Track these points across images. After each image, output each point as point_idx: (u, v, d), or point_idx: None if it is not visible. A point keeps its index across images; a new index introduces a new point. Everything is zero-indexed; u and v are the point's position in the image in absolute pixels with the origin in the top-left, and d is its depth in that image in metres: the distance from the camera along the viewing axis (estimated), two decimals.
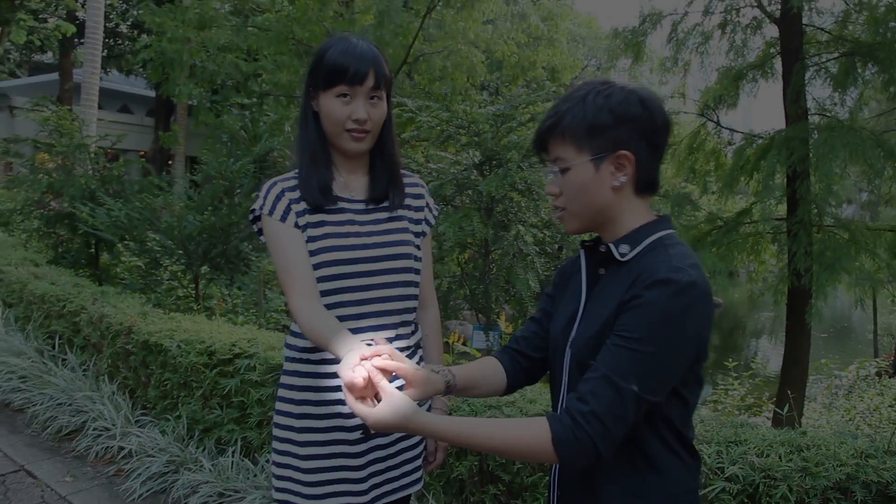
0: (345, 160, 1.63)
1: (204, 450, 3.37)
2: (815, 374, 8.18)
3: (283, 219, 1.56)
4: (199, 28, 7.98)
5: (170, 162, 19.95)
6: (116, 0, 21.44)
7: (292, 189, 1.58)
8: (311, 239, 1.56)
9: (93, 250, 7.19)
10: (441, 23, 9.99)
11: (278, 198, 1.57)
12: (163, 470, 3.31)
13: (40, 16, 20.73)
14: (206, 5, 7.99)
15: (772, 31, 5.87)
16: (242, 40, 7.93)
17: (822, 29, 5.80)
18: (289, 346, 1.65)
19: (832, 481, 1.92)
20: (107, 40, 21.53)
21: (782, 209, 5.85)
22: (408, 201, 1.68)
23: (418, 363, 1.58)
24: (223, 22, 8.79)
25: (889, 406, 8.99)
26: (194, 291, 5.80)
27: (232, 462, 3.16)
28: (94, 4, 13.27)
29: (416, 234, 1.68)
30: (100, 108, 14.55)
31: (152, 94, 22.94)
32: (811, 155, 5.21)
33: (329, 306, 1.53)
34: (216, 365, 3.41)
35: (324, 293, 1.54)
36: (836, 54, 5.72)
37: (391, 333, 1.57)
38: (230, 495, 3.02)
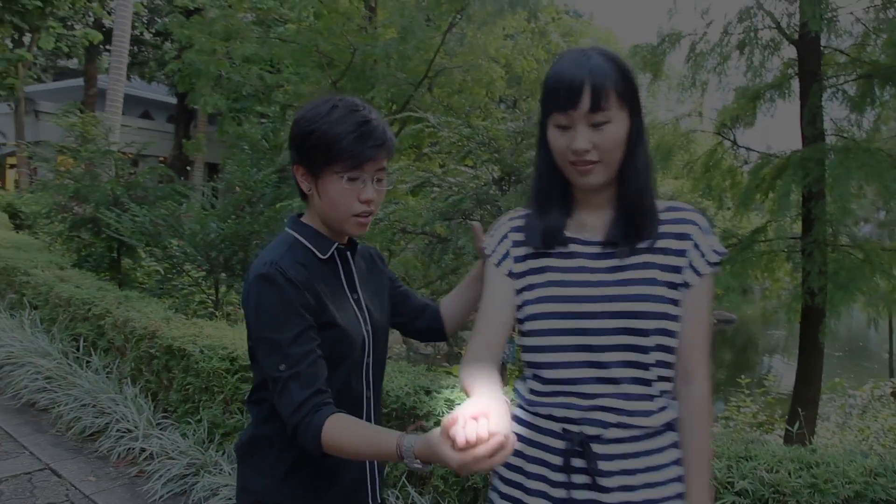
0: (584, 194, 1.34)
1: (224, 454, 3.45)
2: (829, 392, 8.14)
3: (499, 263, 1.39)
4: (225, 39, 8.17)
5: (188, 168, 20.24)
6: (141, 8, 21.87)
7: (520, 230, 1.39)
8: (527, 288, 1.34)
9: (115, 255, 7.35)
10: (462, 38, 10.14)
11: (502, 239, 1.41)
12: (183, 472, 3.39)
13: (68, 23, 21.21)
14: (233, 17, 8.17)
15: (790, 51, 5.92)
16: (266, 52, 8.09)
17: (840, 51, 5.84)
18: (515, 390, 1.46)
19: (841, 498, 1.96)
20: (131, 48, 21.96)
21: (797, 227, 5.88)
22: (663, 243, 1.30)
23: (668, 446, 1.28)
24: (248, 33, 8.98)
25: None
26: (214, 298, 5.92)
27: None
28: (123, 13, 13.55)
29: (671, 286, 1.29)
30: (122, 113, 14.84)
31: (173, 100, 23.32)
32: (827, 175, 5.26)
33: (545, 367, 1.31)
34: (238, 370, 3.51)
35: (535, 350, 1.32)
36: (853, 76, 5.76)
37: (620, 405, 1.25)
38: None
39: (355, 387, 1.46)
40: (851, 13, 5.82)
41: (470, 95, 11.01)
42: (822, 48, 5.71)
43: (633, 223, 1.30)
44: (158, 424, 3.88)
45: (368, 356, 1.48)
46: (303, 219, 1.48)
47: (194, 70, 7.67)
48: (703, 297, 1.32)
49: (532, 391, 1.35)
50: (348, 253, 1.50)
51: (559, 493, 1.27)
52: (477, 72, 10.71)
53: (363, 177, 1.37)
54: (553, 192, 1.35)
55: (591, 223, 1.35)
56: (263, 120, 9.31)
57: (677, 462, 1.29)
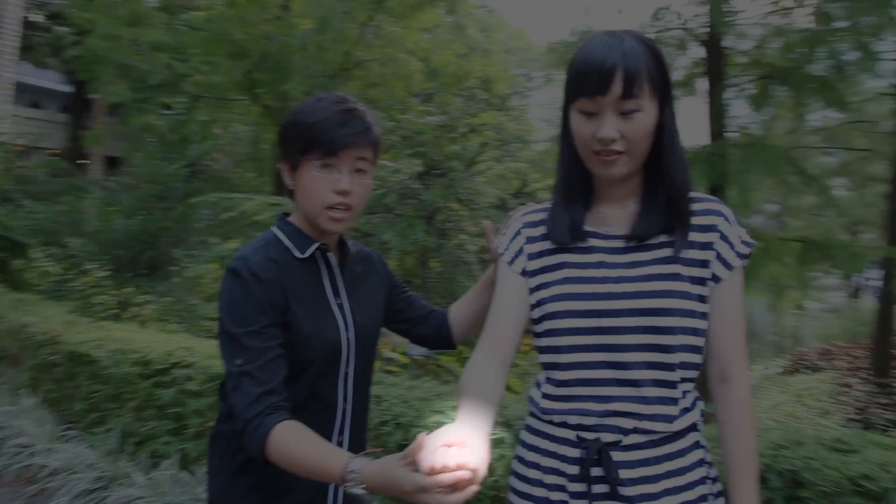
0: (605, 186, 1.27)
1: (137, 464, 3.26)
2: None
3: (511, 262, 1.32)
4: (131, 25, 7.69)
5: (84, 161, 19.00)
6: None
7: (534, 225, 1.33)
8: (543, 286, 1.27)
9: (3, 254, 6.79)
10: (379, 30, 10.01)
11: (514, 236, 1.34)
12: (91, 487, 3.18)
13: None
14: (138, 1, 7.70)
15: (699, 51, 6.21)
16: (175, 39, 7.69)
17: (742, 52, 6.18)
18: (530, 399, 1.37)
19: None
20: (21, 31, 20.34)
21: None
22: (689, 236, 1.23)
23: (690, 448, 1.22)
24: (155, 19, 8.48)
25: (791, 402, 9.66)
26: (120, 299, 5.59)
27: (169, 475, 3.08)
28: None
29: (696, 281, 1.22)
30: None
31: (67, 89, 21.81)
32: (730, 170, 5.55)
33: (560, 368, 1.24)
34: (151, 375, 3.32)
35: (551, 350, 1.25)
36: (753, 76, 6.11)
37: (639, 409, 1.18)
38: None
39: (325, 396, 1.38)
40: (748, 18, 6.18)
41: (388, 89, 10.91)
42: (726, 49, 6.02)
43: (676, 217, 1.23)
44: (62, 437, 3.61)
45: (347, 365, 1.40)
46: (290, 217, 1.44)
47: (97, 57, 7.17)
48: (735, 291, 1.24)
49: (545, 396, 1.28)
50: (330, 255, 1.42)
51: (579, 503, 1.19)
52: (395, 65, 10.61)
53: (340, 166, 1.31)
54: (578, 183, 1.28)
55: (611, 217, 1.28)
56: (168, 111, 8.84)
57: (701, 463, 1.23)
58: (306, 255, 1.36)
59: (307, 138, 1.30)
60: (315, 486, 1.36)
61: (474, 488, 0.90)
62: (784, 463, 2.05)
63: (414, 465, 0.92)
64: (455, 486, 0.89)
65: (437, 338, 1.62)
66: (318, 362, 1.35)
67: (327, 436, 1.35)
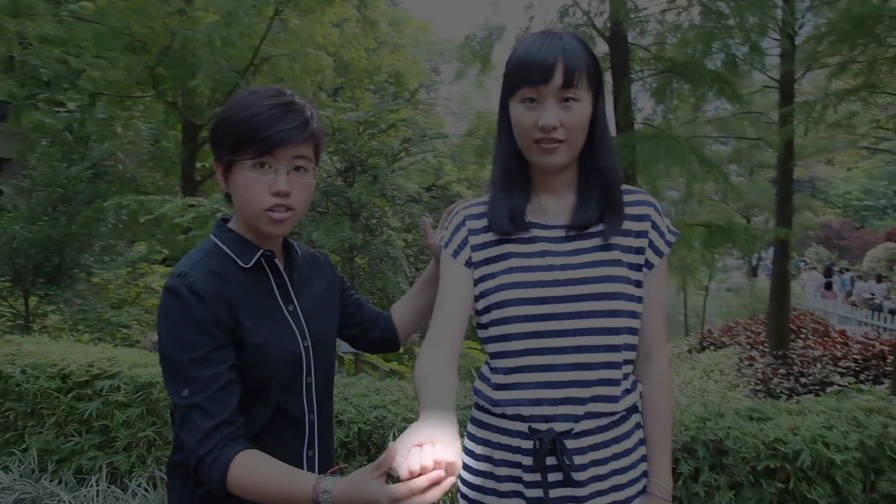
0: (544, 178, 1.32)
1: (60, 482, 3.09)
2: None
3: (455, 254, 1.34)
4: (13, 16, 7.15)
5: None
6: None
7: (476, 217, 1.36)
8: (488, 276, 1.30)
9: None
10: (285, 25, 9.82)
11: (457, 229, 1.36)
12: None
13: None
14: None
15: (603, 46, 6.50)
16: (66, 32, 7.22)
17: (644, 48, 6.53)
18: (475, 391, 1.39)
19: (680, 444, 2.20)
20: None
21: None
22: (626, 225, 1.31)
23: (632, 430, 1.30)
24: (40, 10, 7.92)
25: (700, 378, 10.33)
26: (24, 311, 5.24)
27: (98, 491, 2.94)
28: None
29: (633, 267, 1.30)
30: None
31: None
32: (638, 160, 5.87)
33: (510, 356, 1.27)
34: (71, 389, 3.15)
35: (499, 339, 1.28)
36: (655, 71, 6.48)
37: (587, 393, 1.24)
38: None
39: (292, 410, 1.29)
40: (651, 15, 6.54)
41: (297, 84, 10.72)
42: (629, 45, 6.34)
43: (607, 207, 1.29)
44: None
45: (309, 374, 1.31)
46: (229, 223, 1.31)
47: None
48: (662, 277, 1.34)
49: (496, 386, 1.30)
50: (276, 260, 1.32)
51: (534, 492, 1.24)
52: (305, 60, 10.44)
53: (275, 165, 1.20)
54: (516, 175, 1.32)
55: (551, 207, 1.33)
56: (60, 109, 8.31)
57: (641, 443, 1.32)
58: (250, 264, 1.26)
59: (239, 136, 1.18)
60: None
61: (452, 480, 0.90)
62: (708, 434, 2.21)
63: (385, 477, 0.92)
64: (433, 483, 0.88)
65: (384, 340, 1.57)
66: (279, 376, 1.25)
67: (297, 452, 1.30)
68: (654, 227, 1.33)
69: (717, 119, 13.48)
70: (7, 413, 3.30)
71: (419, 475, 0.87)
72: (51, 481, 3.10)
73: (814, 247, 26.95)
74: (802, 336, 10.47)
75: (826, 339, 9.80)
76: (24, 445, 3.23)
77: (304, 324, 1.31)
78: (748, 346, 10.70)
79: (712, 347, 12.32)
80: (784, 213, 9.45)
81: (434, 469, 0.87)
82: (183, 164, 8.97)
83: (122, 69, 7.75)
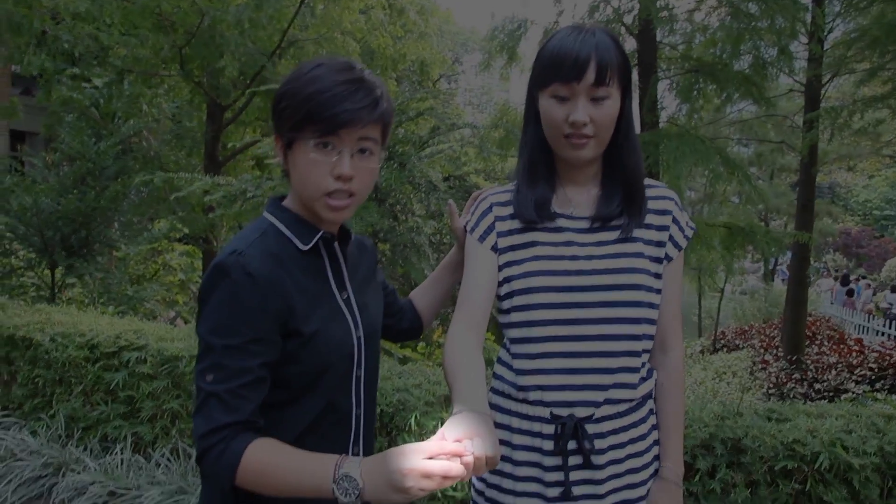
0: (570, 170, 1.35)
1: (86, 449, 3.18)
2: None
3: (482, 239, 1.36)
4: None
5: None
6: None
7: (503, 204, 1.38)
8: (513, 262, 1.33)
9: None
10: (313, 9, 9.82)
11: (484, 214, 1.38)
12: (40, 474, 3.08)
13: None
14: None
15: (632, 44, 6.46)
16: (98, 9, 7.28)
17: (672, 47, 6.49)
18: (496, 376, 1.40)
19: (698, 440, 2.23)
20: None
21: None
22: (647, 219, 1.35)
23: (647, 416, 1.36)
24: None
25: (712, 379, 10.31)
26: (50, 281, 5.34)
27: (122, 459, 3.02)
28: None
29: (654, 259, 1.34)
30: None
31: None
32: (662, 158, 5.85)
33: (534, 342, 1.30)
34: (98, 359, 3.23)
35: (522, 325, 1.31)
36: (682, 70, 6.44)
37: (608, 380, 1.28)
38: (123, 494, 2.89)
39: (342, 405, 1.21)
40: (679, 14, 6.50)
41: None
42: (658, 43, 6.30)
43: (630, 201, 1.33)
44: None
45: (360, 367, 1.23)
46: (285, 201, 1.23)
47: (11, 24, 6.67)
48: (679, 270, 1.39)
49: (520, 372, 1.33)
50: (336, 244, 1.25)
51: (554, 476, 1.29)
52: (331, 45, 10.45)
53: (339, 146, 1.10)
54: (542, 166, 1.35)
55: (576, 199, 1.36)
56: (87, 84, 8.39)
57: (653, 428, 1.38)
58: (309, 246, 1.18)
59: (302, 113, 1.08)
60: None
61: (492, 466, 0.92)
62: (727, 432, 2.23)
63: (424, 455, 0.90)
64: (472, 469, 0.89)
65: (412, 329, 1.53)
66: (333, 368, 1.17)
67: (343, 449, 1.22)
68: (675, 221, 1.37)
69: (740, 121, 13.37)
70: (36, 379, 3.39)
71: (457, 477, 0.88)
72: (77, 447, 3.19)
73: (831, 254, 26.69)
74: (818, 342, 10.41)
75: (841, 346, 9.73)
76: (52, 412, 3.33)
77: (357, 313, 1.24)
78: (762, 350, 10.65)
79: (725, 349, 12.28)
80: (805, 217, 9.37)
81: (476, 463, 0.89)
82: (206, 143, 9.02)
83: (149, 47, 7.81)
